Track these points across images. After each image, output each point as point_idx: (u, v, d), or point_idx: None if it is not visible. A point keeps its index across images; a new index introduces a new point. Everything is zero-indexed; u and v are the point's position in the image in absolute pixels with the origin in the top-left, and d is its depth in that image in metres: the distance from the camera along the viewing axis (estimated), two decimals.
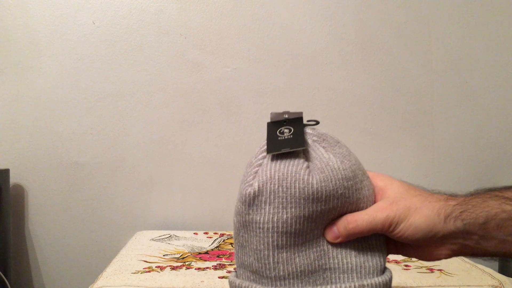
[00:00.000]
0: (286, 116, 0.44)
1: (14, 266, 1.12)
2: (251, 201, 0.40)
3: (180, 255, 0.88)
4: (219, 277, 0.73)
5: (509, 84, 1.18)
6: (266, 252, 0.39)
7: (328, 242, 0.40)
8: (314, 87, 1.14)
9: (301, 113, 0.44)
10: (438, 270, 0.76)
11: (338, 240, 0.40)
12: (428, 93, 1.17)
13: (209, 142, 1.13)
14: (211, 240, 1.00)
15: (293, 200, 0.39)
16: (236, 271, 0.43)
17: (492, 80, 1.17)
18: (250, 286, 0.40)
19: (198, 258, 0.85)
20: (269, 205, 0.39)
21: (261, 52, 1.13)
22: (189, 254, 0.88)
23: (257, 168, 0.41)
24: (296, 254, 0.39)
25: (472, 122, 1.17)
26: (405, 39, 1.16)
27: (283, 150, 0.40)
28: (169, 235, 1.03)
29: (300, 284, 0.39)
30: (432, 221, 0.39)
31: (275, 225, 0.39)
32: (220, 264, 0.82)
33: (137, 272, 0.75)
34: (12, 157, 1.11)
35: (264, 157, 0.42)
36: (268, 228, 0.39)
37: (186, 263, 0.81)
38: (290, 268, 0.39)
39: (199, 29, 1.12)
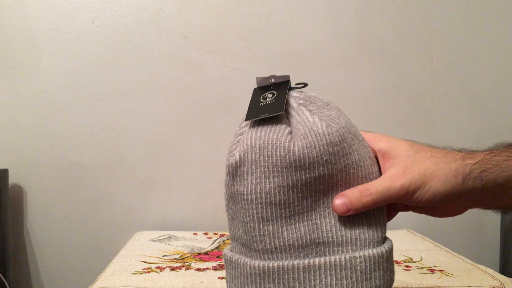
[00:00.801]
0: (273, 80, 0.42)
1: (13, 266, 1.11)
2: (234, 172, 0.39)
3: (180, 255, 0.87)
4: (219, 278, 0.73)
5: (509, 84, 1.17)
6: (252, 224, 0.38)
7: (321, 216, 0.38)
8: (314, 86, 1.13)
9: (288, 76, 0.42)
10: (439, 270, 0.76)
11: (350, 213, 0.37)
12: (428, 92, 1.16)
13: (209, 142, 1.13)
14: (211, 241, 1.00)
15: (275, 169, 0.37)
16: (230, 245, 0.42)
17: (493, 80, 1.17)
18: (239, 259, 0.39)
19: (198, 259, 0.85)
20: (251, 175, 0.38)
21: (261, 51, 1.13)
22: (189, 255, 0.88)
23: (239, 137, 0.40)
24: (284, 228, 0.37)
25: (472, 122, 1.17)
26: (406, 38, 1.15)
27: (261, 116, 0.39)
28: (169, 236, 1.03)
29: (289, 258, 0.37)
30: (450, 183, 0.37)
31: (258, 196, 0.37)
32: (220, 264, 0.81)
33: (136, 272, 0.75)
34: (11, 157, 1.10)
35: (246, 125, 0.40)
36: (251, 199, 0.37)
37: (186, 264, 0.81)
38: (277, 242, 0.37)
39: (199, 28, 1.12)
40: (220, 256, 0.87)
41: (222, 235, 1.05)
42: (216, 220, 1.14)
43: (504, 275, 0.75)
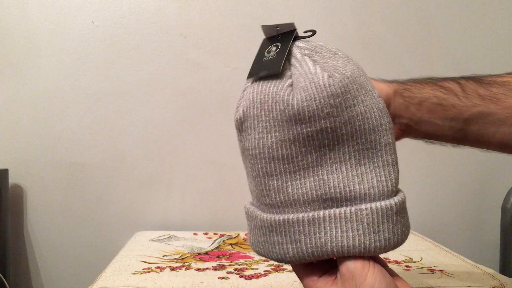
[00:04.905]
0: (278, 28, 0.40)
1: (13, 266, 1.11)
2: (240, 127, 0.39)
3: (180, 255, 0.87)
4: (219, 278, 0.73)
5: None
6: (258, 179, 0.38)
7: (328, 171, 0.37)
8: None
9: (293, 24, 0.40)
10: (439, 270, 0.76)
11: None
12: None
13: (209, 142, 1.13)
14: (211, 241, 1.00)
15: (276, 123, 0.36)
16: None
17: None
18: (253, 212, 0.40)
19: (198, 259, 0.85)
20: (254, 130, 0.37)
21: None
22: (189, 255, 0.88)
23: (244, 93, 0.40)
24: (289, 183, 0.37)
25: None
26: (406, 38, 1.15)
27: (261, 74, 0.38)
28: (169, 236, 1.03)
29: (295, 212, 0.37)
30: (387, 92, 0.45)
31: (261, 150, 0.37)
32: (220, 264, 0.81)
33: (136, 272, 0.75)
34: (10, 157, 1.10)
35: (250, 79, 0.40)
36: (255, 154, 0.37)
37: (186, 264, 0.81)
38: (282, 197, 0.37)
39: (199, 28, 1.12)
40: (220, 256, 0.88)
41: (222, 235, 1.05)
42: (216, 220, 1.14)
43: (504, 275, 0.75)
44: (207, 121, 1.13)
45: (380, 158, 0.37)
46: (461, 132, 0.47)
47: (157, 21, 1.11)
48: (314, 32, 0.40)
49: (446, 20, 1.16)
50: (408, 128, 0.47)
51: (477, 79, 0.48)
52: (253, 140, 0.38)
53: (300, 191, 0.37)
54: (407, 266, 0.79)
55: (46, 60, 1.10)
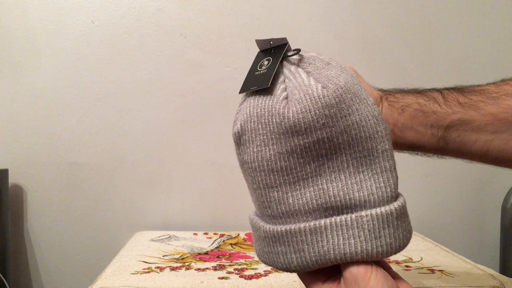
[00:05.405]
0: (271, 43, 0.42)
1: (13, 266, 1.11)
2: (238, 141, 0.40)
3: (180, 255, 0.87)
4: (219, 278, 0.73)
5: None
6: (259, 191, 0.39)
7: (327, 180, 0.37)
8: None
9: (285, 39, 0.41)
10: (439, 270, 0.76)
11: None
12: None
13: (209, 142, 1.13)
14: (211, 241, 1.00)
15: (273, 136, 0.37)
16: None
17: (492, 80, 1.17)
18: (257, 222, 0.40)
19: (198, 259, 0.85)
20: (252, 143, 0.38)
21: None
22: (189, 255, 0.88)
23: (241, 106, 0.40)
24: (289, 194, 0.38)
25: None
26: (406, 38, 1.15)
27: (252, 89, 0.39)
28: (169, 236, 1.03)
29: (297, 223, 0.38)
30: (375, 96, 0.47)
31: (260, 163, 0.38)
32: (220, 264, 0.81)
33: (136, 272, 0.75)
34: (10, 157, 1.10)
35: (247, 93, 0.41)
36: (255, 167, 0.38)
37: (186, 264, 0.81)
38: (283, 208, 0.38)
39: (199, 28, 1.12)
40: (220, 257, 0.88)
41: (222, 235, 1.05)
42: (216, 220, 1.14)
43: (504, 275, 0.76)
44: (207, 121, 1.13)
45: (378, 165, 0.38)
46: (443, 140, 0.47)
47: (157, 21, 1.11)
48: (298, 50, 0.41)
49: (446, 21, 1.16)
50: (393, 135, 0.47)
51: (459, 89, 0.49)
52: (251, 153, 0.38)
53: (300, 202, 0.38)
54: (407, 266, 0.79)
55: (46, 60, 1.10)
